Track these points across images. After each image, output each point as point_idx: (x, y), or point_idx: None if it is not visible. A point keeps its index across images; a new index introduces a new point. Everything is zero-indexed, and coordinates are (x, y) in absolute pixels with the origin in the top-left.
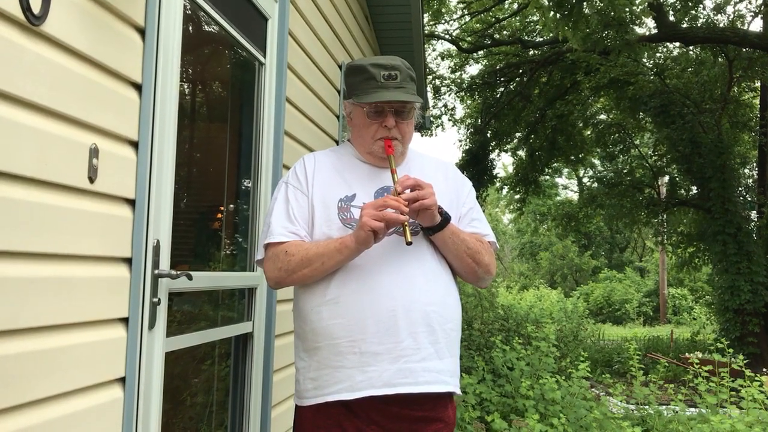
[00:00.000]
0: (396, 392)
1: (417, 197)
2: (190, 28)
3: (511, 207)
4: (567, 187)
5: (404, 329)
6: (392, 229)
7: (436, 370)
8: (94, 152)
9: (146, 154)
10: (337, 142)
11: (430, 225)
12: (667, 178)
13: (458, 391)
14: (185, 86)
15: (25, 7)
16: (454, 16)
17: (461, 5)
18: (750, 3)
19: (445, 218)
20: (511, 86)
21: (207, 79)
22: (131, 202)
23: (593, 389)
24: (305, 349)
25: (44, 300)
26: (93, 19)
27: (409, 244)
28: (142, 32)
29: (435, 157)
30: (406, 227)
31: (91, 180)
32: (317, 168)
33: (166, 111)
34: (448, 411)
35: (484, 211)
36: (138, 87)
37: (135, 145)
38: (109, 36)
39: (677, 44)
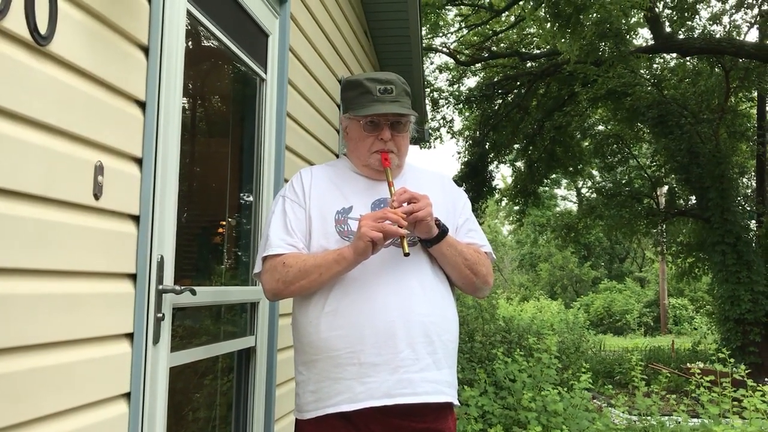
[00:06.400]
0: (395, 403)
1: (413, 210)
2: (193, 45)
3: (511, 218)
4: (566, 198)
5: (403, 340)
6: (390, 240)
7: (434, 380)
8: (99, 169)
9: (150, 170)
10: (337, 156)
11: (428, 237)
12: (665, 188)
13: (456, 402)
14: (188, 103)
15: (33, 28)
16: (452, 29)
17: (459, 18)
18: (746, 13)
19: (443, 230)
20: (509, 98)
21: (209, 96)
22: (135, 219)
23: (595, 401)
24: (304, 362)
25: (51, 316)
26: (98, 38)
27: (406, 255)
28: (146, 50)
29: (431, 169)
30: (404, 239)
31: (96, 197)
32: (314, 181)
33: (169, 128)
34: (449, 422)
35: (483, 223)
36: (142, 104)
37: (139, 161)
38: (114, 55)
39: (674, 55)
